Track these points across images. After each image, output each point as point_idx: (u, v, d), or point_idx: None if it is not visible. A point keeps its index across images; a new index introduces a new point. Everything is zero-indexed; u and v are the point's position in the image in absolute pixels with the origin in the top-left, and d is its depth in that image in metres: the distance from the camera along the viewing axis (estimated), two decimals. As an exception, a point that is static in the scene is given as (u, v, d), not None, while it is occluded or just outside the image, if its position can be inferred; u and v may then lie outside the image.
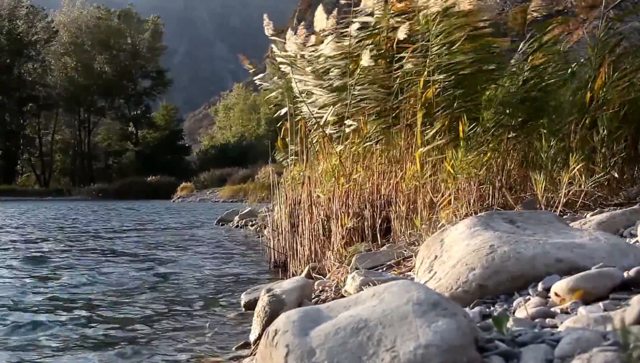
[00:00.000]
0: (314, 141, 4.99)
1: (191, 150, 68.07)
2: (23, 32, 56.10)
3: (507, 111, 3.93)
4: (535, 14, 4.38)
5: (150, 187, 46.10)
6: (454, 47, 4.07)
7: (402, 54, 4.30)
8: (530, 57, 4.26)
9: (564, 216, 3.22)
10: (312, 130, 5.02)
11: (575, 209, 3.57)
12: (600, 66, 4.30)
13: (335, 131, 4.73)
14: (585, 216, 3.09)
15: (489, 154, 3.62)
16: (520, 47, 4.33)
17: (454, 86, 4.13)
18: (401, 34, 4.16)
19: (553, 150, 3.77)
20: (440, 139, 3.91)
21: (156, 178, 48.54)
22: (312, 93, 4.83)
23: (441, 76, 4.06)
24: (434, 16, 4.10)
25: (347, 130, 4.39)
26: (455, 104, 4.10)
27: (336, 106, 4.59)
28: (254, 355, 2.45)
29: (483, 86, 4.12)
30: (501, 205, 3.74)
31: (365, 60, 4.18)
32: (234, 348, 2.77)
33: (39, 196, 43.17)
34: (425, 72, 4.06)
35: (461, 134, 3.54)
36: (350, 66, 4.50)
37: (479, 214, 2.43)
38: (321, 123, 4.69)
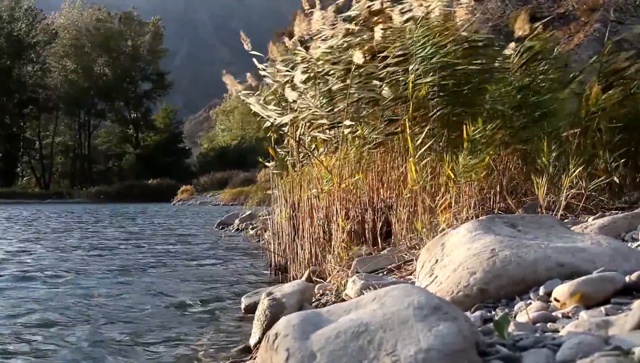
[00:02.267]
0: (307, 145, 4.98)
1: (191, 153, 68.03)
2: (23, 34, 56.09)
3: (505, 116, 3.94)
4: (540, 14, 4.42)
5: (151, 190, 46.08)
6: (442, 50, 4.07)
7: (384, 53, 4.30)
8: (525, 65, 4.28)
9: (566, 220, 3.22)
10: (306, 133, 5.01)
11: (577, 213, 3.57)
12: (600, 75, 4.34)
13: (328, 137, 4.73)
14: (587, 220, 3.09)
15: (487, 159, 3.62)
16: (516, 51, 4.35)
17: (446, 88, 4.13)
18: (377, 33, 4.16)
19: (553, 154, 3.77)
20: (434, 143, 3.91)
21: (156, 181, 48.52)
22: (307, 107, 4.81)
23: (429, 78, 4.04)
24: (417, 20, 4.11)
25: (346, 131, 4.38)
26: (448, 107, 4.10)
27: (328, 118, 4.58)
28: (255, 359, 2.45)
29: (478, 88, 4.12)
30: (502, 209, 3.74)
31: (357, 57, 4.16)
32: (234, 352, 2.76)
33: (40, 199, 43.16)
34: (413, 75, 4.05)
35: (465, 139, 3.52)
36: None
37: (480, 218, 2.43)
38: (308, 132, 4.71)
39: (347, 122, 4.37)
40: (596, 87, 4.24)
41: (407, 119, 3.96)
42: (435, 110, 4.07)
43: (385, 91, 4.19)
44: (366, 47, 4.37)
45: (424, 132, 3.90)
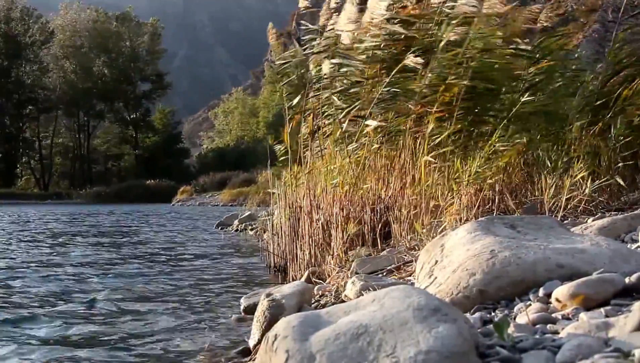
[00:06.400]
0: (322, 138, 4.96)
1: (190, 153, 68.10)
2: (20, 34, 56.05)
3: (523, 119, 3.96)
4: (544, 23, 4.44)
5: (150, 190, 46.12)
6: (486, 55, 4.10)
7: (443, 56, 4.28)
8: (536, 64, 4.30)
9: (565, 221, 3.22)
10: (323, 126, 4.99)
11: (577, 214, 3.57)
12: (612, 77, 4.35)
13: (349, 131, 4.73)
14: (587, 221, 3.08)
15: (501, 164, 3.63)
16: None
17: (474, 93, 4.15)
18: (454, 35, 4.11)
19: (556, 155, 3.78)
20: (449, 146, 3.92)
21: (155, 182, 48.55)
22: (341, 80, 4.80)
23: (465, 81, 4.05)
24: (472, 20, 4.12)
25: (367, 128, 4.38)
26: (470, 110, 4.12)
27: (360, 101, 4.58)
28: (254, 360, 2.44)
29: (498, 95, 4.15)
30: (502, 210, 3.74)
31: (410, 60, 4.13)
32: (233, 353, 2.76)
33: (39, 200, 43.17)
34: (450, 78, 4.06)
35: (487, 149, 3.53)
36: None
37: (480, 219, 2.42)
38: (340, 117, 4.68)
39: (370, 122, 4.36)
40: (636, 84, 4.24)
41: (431, 117, 3.98)
42: (458, 112, 4.09)
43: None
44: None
45: (444, 135, 3.92)
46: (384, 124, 4.32)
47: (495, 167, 3.58)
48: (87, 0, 64.12)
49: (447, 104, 4.10)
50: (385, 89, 4.39)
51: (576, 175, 3.49)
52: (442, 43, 4.14)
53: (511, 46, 4.42)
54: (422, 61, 4.09)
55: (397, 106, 4.40)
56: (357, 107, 4.60)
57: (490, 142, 3.57)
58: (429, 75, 4.20)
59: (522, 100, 3.90)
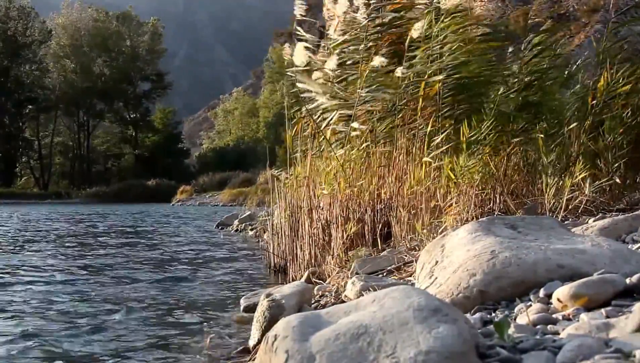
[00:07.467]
0: (319, 141, 4.97)
1: (190, 153, 68.05)
2: (18, 33, 55.98)
3: (509, 117, 3.95)
4: (536, 19, 4.47)
5: (149, 190, 46.09)
6: (454, 47, 4.12)
7: (413, 53, 4.32)
8: (529, 61, 4.29)
9: (566, 222, 3.22)
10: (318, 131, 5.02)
11: (578, 214, 3.56)
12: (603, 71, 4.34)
13: (340, 132, 4.74)
14: (588, 222, 3.08)
15: (484, 159, 3.62)
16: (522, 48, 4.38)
17: (457, 88, 4.16)
18: (415, 32, 4.16)
19: (554, 155, 3.77)
20: (446, 145, 3.92)
21: (155, 181, 48.53)
22: (316, 99, 4.86)
23: (441, 76, 4.07)
24: (440, 15, 4.15)
25: (353, 133, 4.40)
26: (457, 106, 4.13)
27: (341, 111, 4.61)
28: (253, 360, 2.44)
29: (482, 90, 4.15)
30: (502, 210, 3.74)
31: (377, 60, 4.18)
32: (233, 353, 2.75)
33: (38, 199, 43.16)
34: (428, 73, 4.08)
35: (463, 139, 3.53)
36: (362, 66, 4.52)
37: (480, 219, 2.42)
38: (322, 127, 4.70)
39: (355, 125, 4.38)
40: (607, 72, 4.23)
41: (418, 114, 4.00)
42: (445, 109, 4.10)
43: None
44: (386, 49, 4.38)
45: (443, 135, 3.93)
46: (367, 127, 4.36)
47: (483, 162, 3.57)
48: (87, 0, 64.10)
49: (431, 100, 4.14)
50: (366, 88, 4.42)
51: (577, 176, 3.49)
52: (408, 40, 4.19)
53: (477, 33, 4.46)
54: (386, 61, 4.15)
55: (381, 102, 4.44)
56: (335, 115, 4.63)
57: (462, 131, 3.58)
58: (405, 71, 4.24)
59: (504, 93, 3.91)
